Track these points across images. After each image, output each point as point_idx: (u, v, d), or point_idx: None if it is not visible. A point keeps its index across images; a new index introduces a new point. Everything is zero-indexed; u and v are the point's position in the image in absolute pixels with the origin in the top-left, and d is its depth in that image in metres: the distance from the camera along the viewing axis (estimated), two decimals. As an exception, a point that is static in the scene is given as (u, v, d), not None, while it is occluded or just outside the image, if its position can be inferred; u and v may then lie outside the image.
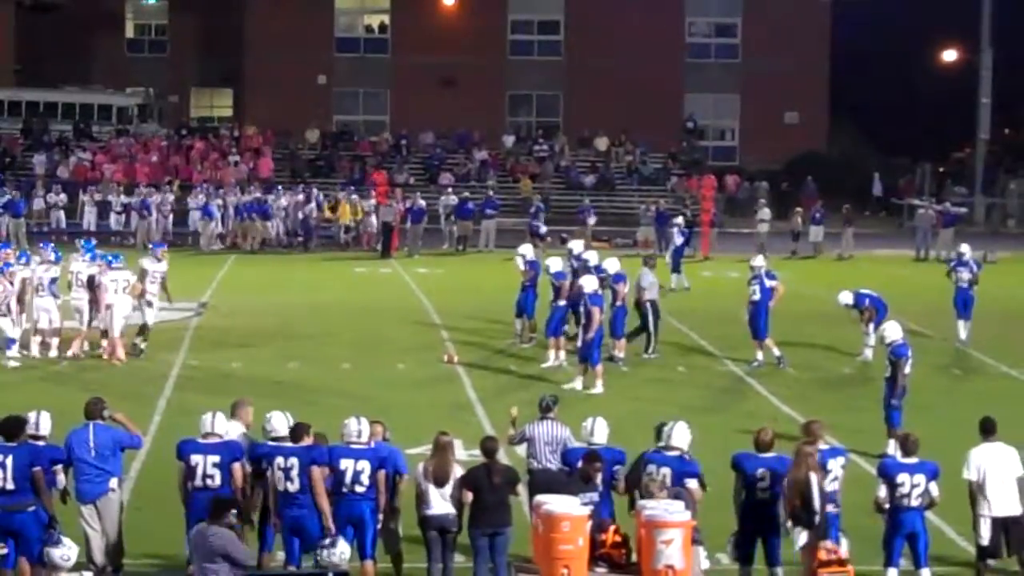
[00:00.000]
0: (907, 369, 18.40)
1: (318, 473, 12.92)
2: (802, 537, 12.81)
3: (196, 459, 13.15)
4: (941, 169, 65.27)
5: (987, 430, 13.70)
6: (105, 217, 47.64)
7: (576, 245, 26.97)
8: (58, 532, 12.76)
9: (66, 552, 12.66)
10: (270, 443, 13.26)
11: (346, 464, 13.06)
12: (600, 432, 13.64)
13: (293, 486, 12.95)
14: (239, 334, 27.83)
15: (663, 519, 12.02)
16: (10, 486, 12.75)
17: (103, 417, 13.68)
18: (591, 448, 13.46)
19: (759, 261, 25.43)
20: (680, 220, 40.18)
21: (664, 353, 25.76)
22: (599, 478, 13.19)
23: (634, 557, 12.48)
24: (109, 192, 48.39)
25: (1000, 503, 13.37)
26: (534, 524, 12.56)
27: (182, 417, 13.57)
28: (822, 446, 13.33)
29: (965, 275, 27.24)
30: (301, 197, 47.25)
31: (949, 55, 65.11)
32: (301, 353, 25.56)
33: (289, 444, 13.10)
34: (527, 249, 27.41)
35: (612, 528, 12.81)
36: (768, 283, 24.65)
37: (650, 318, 25.53)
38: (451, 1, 63.85)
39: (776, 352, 24.64)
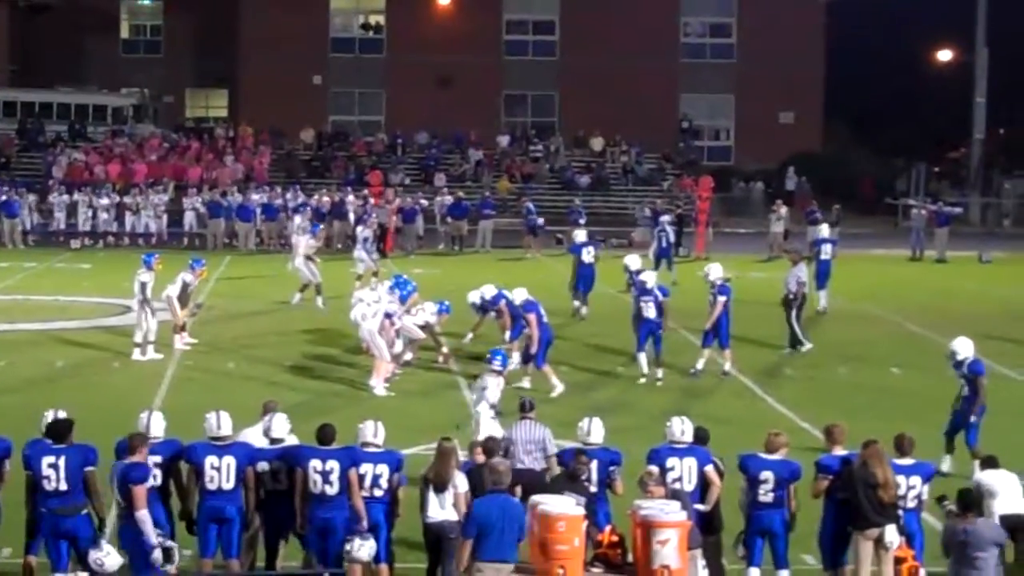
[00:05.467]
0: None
1: (355, 475, 12.83)
2: (891, 533, 12.74)
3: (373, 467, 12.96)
4: (936, 169, 65.34)
5: (990, 463, 13.68)
6: (97, 217, 47.50)
7: (632, 261, 26.58)
8: (100, 536, 12.41)
9: (100, 557, 12.26)
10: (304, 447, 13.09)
11: (365, 468, 12.92)
12: (596, 432, 13.62)
13: (332, 489, 12.79)
14: (234, 334, 27.83)
15: (659, 519, 11.99)
16: (63, 487, 12.38)
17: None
18: (579, 447, 13.49)
19: (717, 271, 24.25)
20: (667, 217, 39.42)
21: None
22: (592, 477, 13.21)
23: (630, 557, 12.46)
24: (102, 193, 48.25)
25: (1006, 502, 13.33)
26: (529, 524, 12.54)
27: (178, 418, 13.48)
28: (840, 451, 13.26)
29: (828, 249, 30.43)
30: (351, 198, 47.02)
31: (944, 55, 65.19)
32: (296, 354, 25.52)
33: (325, 448, 12.89)
34: (487, 290, 24.65)
35: (608, 528, 12.81)
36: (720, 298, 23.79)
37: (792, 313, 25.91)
38: (446, 1, 63.83)
39: (728, 365, 24.22)
